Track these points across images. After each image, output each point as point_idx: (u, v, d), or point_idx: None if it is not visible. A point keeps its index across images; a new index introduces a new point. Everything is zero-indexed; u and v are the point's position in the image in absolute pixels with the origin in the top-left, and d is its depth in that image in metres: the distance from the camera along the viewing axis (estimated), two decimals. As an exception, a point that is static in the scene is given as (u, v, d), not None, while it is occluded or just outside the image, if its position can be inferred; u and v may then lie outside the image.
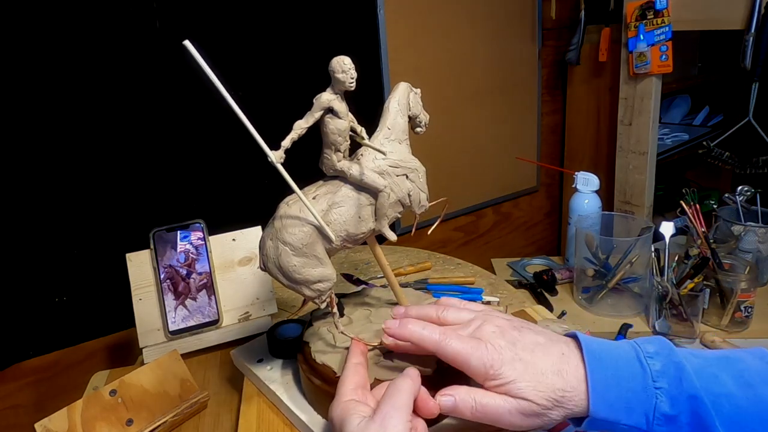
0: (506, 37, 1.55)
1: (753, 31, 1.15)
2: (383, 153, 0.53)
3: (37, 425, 0.56)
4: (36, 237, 0.97)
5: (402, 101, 0.56)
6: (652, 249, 1.14)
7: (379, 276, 1.01)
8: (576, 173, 1.37)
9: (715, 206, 1.38)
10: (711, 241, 1.16)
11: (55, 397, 1.04)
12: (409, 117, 0.57)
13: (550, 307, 1.24)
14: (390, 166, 0.54)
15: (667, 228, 1.12)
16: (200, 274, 0.80)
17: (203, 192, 1.11)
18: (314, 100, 0.51)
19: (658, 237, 1.14)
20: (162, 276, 0.78)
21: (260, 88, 1.14)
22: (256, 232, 0.84)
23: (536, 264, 1.51)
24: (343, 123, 0.52)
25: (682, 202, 1.21)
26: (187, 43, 0.38)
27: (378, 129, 0.56)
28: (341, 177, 0.55)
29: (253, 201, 1.15)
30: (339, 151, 0.53)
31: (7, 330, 0.97)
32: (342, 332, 0.55)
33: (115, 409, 0.60)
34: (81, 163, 0.98)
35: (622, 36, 1.39)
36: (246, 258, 0.83)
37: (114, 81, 0.98)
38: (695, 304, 1.09)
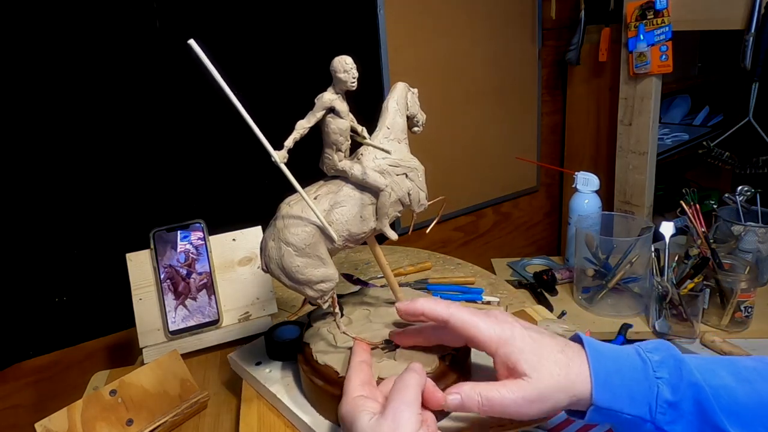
0: (506, 37, 1.55)
1: (753, 31, 1.15)
2: (388, 152, 0.53)
3: (37, 425, 0.56)
4: (36, 237, 0.97)
5: (400, 101, 0.56)
6: (652, 249, 1.14)
7: (379, 276, 1.01)
8: (576, 173, 1.37)
9: (715, 206, 1.38)
10: (711, 241, 1.17)
11: (55, 397, 1.04)
12: (407, 117, 0.57)
13: (550, 307, 1.24)
14: (390, 166, 0.54)
15: (667, 228, 1.12)
16: (200, 274, 0.80)
17: (203, 192, 1.11)
18: (316, 100, 0.51)
19: (658, 237, 1.14)
20: (162, 276, 0.78)
21: (260, 88, 1.14)
22: (256, 232, 0.84)
23: (536, 264, 1.51)
24: (344, 123, 0.52)
25: (682, 202, 1.21)
26: (192, 42, 0.38)
27: (377, 129, 0.56)
28: (342, 177, 0.55)
29: (253, 201, 1.15)
30: (340, 150, 0.53)
31: (7, 330, 0.97)
32: (344, 332, 0.55)
33: (115, 409, 0.60)
34: (81, 163, 0.98)
35: (622, 36, 1.39)
36: (246, 258, 0.83)
37: (114, 81, 0.98)
38: (695, 304, 1.09)
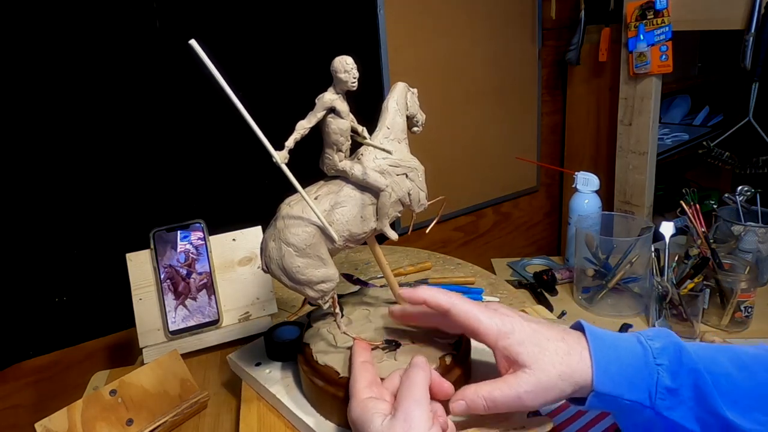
0: (506, 37, 1.55)
1: (753, 31, 1.15)
2: (389, 152, 0.53)
3: (37, 425, 0.56)
4: (36, 237, 0.97)
5: (400, 101, 0.56)
6: (652, 249, 1.14)
7: (379, 276, 1.01)
8: (576, 173, 1.37)
9: (715, 206, 1.38)
10: (711, 241, 1.17)
11: (55, 397, 1.04)
12: (407, 116, 0.57)
13: (550, 307, 1.24)
14: (390, 166, 0.54)
15: (667, 228, 1.12)
16: (200, 274, 0.80)
17: (203, 192, 1.11)
18: (316, 100, 0.51)
19: (658, 237, 1.14)
20: (162, 276, 0.78)
21: (260, 88, 1.14)
22: (256, 232, 0.84)
23: (536, 264, 1.51)
24: (345, 123, 0.52)
25: (682, 202, 1.21)
26: (192, 42, 0.38)
27: (377, 129, 0.56)
28: (342, 177, 0.55)
29: (253, 201, 1.14)
30: (340, 151, 0.53)
31: (7, 330, 0.97)
32: (344, 332, 0.55)
33: (115, 409, 0.60)
34: (81, 163, 0.98)
35: (622, 36, 1.39)
36: (246, 258, 0.83)
37: (114, 81, 0.98)
38: (695, 304, 1.09)
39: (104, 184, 1.01)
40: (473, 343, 0.62)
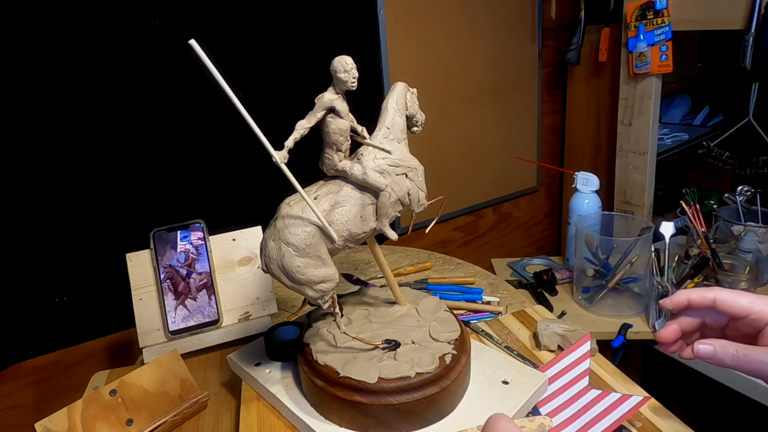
0: (506, 37, 1.55)
1: (753, 31, 1.15)
2: (389, 152, 0.53)
3: (37, 425, 0.56)
4: (36, 237, 0.97)
5: (400, 101, 0.56)
6: (652, 249, 1.14)
7: (379, 276, 1.01)
8: (576, 173, 1.37)
9: (715, 206, 1.38)
10: (711, 241, 1.16)
11: (55, 397, 1.04)
12: (406, 116, 0.57)
13: (550, 307, 1.24)
14: (390, 165, 0.54)
15: (667, 228, 1.12)
16: (200, 274, 0.80)
17: (203, 192, 1.11)
18: (316, 100, 0.51)
19: (658, 237, 1.14)
20: (162, 276, 0.78)
21: (260, 88, 1.14)
22: (256, 232, 0.84)
23: (536, 264, 1.51)
24: (344, 123, 0.52)
25: (682, 202, 1.21)
26: (192, 42, 0.38)
27: (377, 128, 0.56)
28: (342, 177, 0.55)
29: (253, 201, 1.15)
30: (340, 150, 0.53)
31: (7, 330, 0.97)
32: (344, 332, 0.55)
33: (115, 409, 0.60)
34: (81, 163, 0.98)
35: (622, 36, 1.39)
36: (246, 258, 0.83)
37: (114, 81, 0.98)
38: (695, 304, 1.09)
39: (104, 184, 1.01)
40: (473, 343, 0.62)
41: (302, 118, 0.50)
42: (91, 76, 0.96)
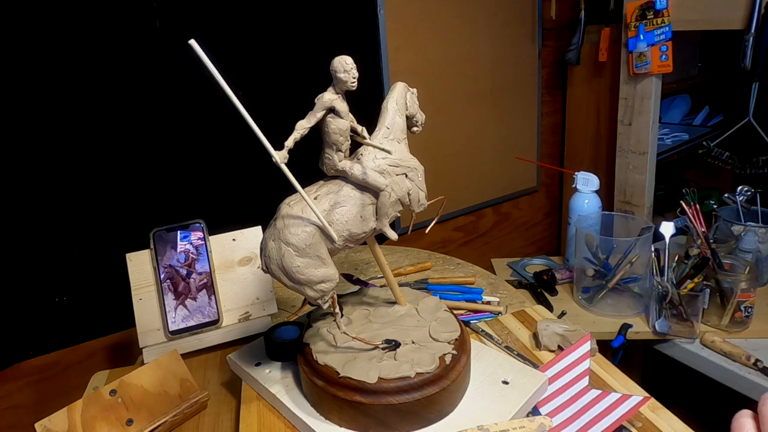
0: (506, 37, 1.55)
1: (753, 31, 1.15)
2: (389, 152, 0.53)
3: (37, 425, 0.56)
4: (36, 237, 0.97)
5: (400, 101, 0.56)
6: (652, 249, 1.14)
7: (379, 276, 1.01)
8: (576, 173, 1.37)
9: (715, 206, 1.38)
10: (711, 241, 1.16)
11: (55, 397, 1.04)
12: (406, 116, 0.57)
13: (550, 307, 1.24)
14: (390, 165, 0.54)
15: (667, 228, 1.12)
16: (200, 274, 0.80)
17: (203, 192, 1.11)
18: (316, 100, 0.51)
19: (658, 237, 1.14)
20: (162, 276, 0.78)
21: (260, 88, 1.14)
22: (256, 232, 0.84)
23: (536, 264, 1.51)
24: (344, 123, 0.52)
25: (682, 202, 1.21)
26: (192, 42, 0.38)
27: (377, 128, 0.56)
28: (342, 177, 0.55)
29: (253, 201, 1.15)
30: (340, 150, 0.54)
31: (7, 330, 0.97)
32: (344, 332, 0.55)
33: (115, 409, 0.60)
34: (81, 163, 0.98)
35: (622, 36, 1.39)
36: (246, 258, 0.83)
37: (114, 81, 0.98)
38: (695, 304, 1.09)
39: (104, 184, 1.01)
40: (473, 343, 0.62)
41: (302, 118, 0.50)
42: (91, 76, 0.96)
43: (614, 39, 1.49)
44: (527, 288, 1.35)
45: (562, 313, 1.24)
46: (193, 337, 0.78)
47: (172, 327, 0.77)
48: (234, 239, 0.83)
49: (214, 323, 0.78)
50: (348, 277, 0.98)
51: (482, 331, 0.77)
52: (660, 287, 1.10)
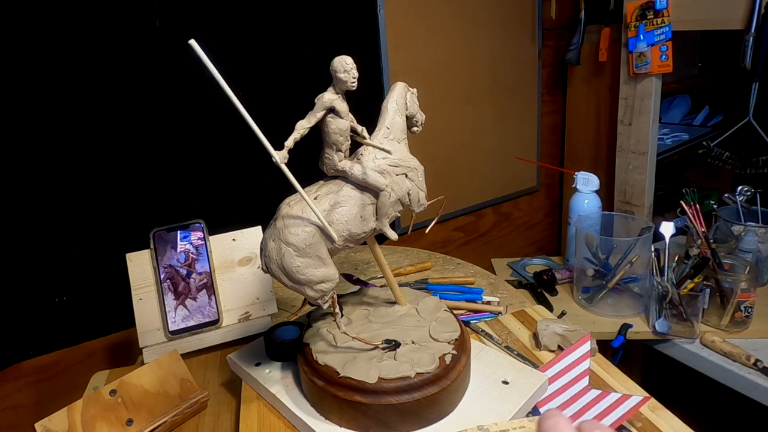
0: (506, 37, 1.55)
1: (753, 31, 1.15)
2: (389, 152, 0.53)
3: (37, 425, 0.56)
4: (36, 237, 0.97)
5: (400, 101, 0.56)
6: (652, 249, 1.14)
7: (379, 276, 1.01)
8: (576, 173, 1.37)
9: (715, 206, 1.38)
10: (711, 241, 1.16)
11: (55, 397, 1.04)
12: (406, 116, 0.57)
13: (550, 307, 1.24)
14: (390, 165, 0.54)
15: (667, 228, 1.12)
16: (200, 274, 0.80)
17: (203, 192, 1.11)
18: (316, 100, 0.51)
19: (658, 237, 1.14)
20: (162, 276, 0.78)
21: (260, 88, 1.14)
22: (256, 232, 0.84)
23: (536, 264, 1.51)
24: (344, 123, 0.52)
25: (682, 202, 1.21)
26: (192, 42, 0.38)
27: (377, 128, 0.56)
28: (342, 177, 0.55)
29: (253, 201, 1.15)
30: (340, 150, 0.54)
31: (7, 330, 0.97)
32: (344, 332, 0.55)
33: (115, 409, 0.60)
34: (81, 163, 0.98)
35: (622, 36, 1.39)
36: (246, 258, 0.83)
37: (114, 81, 0.98)
38: (695, 304, 1.09)
39: (104, 184, 1.01)
40: (473, 343, 0.62)
41: (302, 118, 0.50)
42: (91, 76, 0.96)
43: (614, 39, 1.49)
44: (527, 288, 1.35)
45: (562, 313, 1.24)
46: (193, 337, 0.78)
47: (172, 327, 0.77)
48: (234, 239, 0.83)
49: (214, 323, 0.78)
50: (348, 277, 0.98)
51: (482, 331, 0.77)
52: (660, 287, 1.10)
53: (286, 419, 0.58)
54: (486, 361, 0.61)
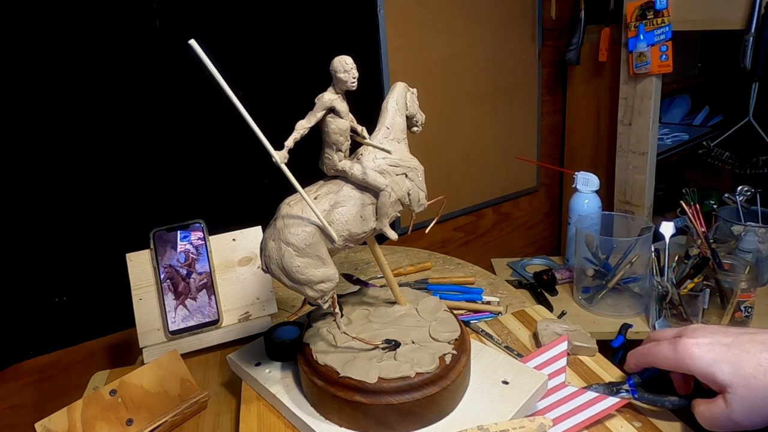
0: (506, 37, 1.55)
1: (753, 31, 1.15)
2: (389, 152, 0.53)
3: (37, 425, 0.56)
4: (36, 237, 0.97)
5: (400, 101, 0.56)
6: (652, 249, 1.14)
7: (379, 276, 1.01)
8: (576, 173, 1.37)
9: (715, 206, 1.38)
10: (711, 241, 1.16)
11: (55, 397, 1.04)
12: (406, 116, 0.57)
13: (550, 307, 1.24)
14: (390, 165, 0.54)
15: (667, 228, 1.12)
16: (200, 274, 0.80)
17: (203, 192, 1.11)
18: (316, 100, 0.51)
19: (658, 237, 1.14)
20: (162, 276, 0.78)
21: (260, 88, 1.14)
22: (256, 232, 0.84)
23: (536, 264, 1.51)
24: (344, 123, 0.52)
25: (682, 202, 1.21)
26: (192, 42, 0.38)
27: (377, 128, 0.56)
28: (342, 177, 0.55)
29: (253, 201, 1.15)
30: (340, 150, 0.53)
31: (7, 330, 0.97)
32: (344, 332, 0.55)
33: (115, 409, 0.60)
34: (81, 163, 0.98)
35: (622, 36, 1.39)
36: (246, 258, 0.83)
37: (114, 81, 0.98)
38: (695, 304, 1.09)
39: (104, 184, 1.01)
40: (473, 343, 0.62)
41: (302, 118, 0.50)
42: (91, 76, 0.96)
43: (614, 39, 1.49)
44: (527, 288, 1.35)
45: (562, 313, 1.24)
46: (193, 337, 0.78)
47: (172, 327, 0.77)
48: (234, 239, 0.83)
49: (214, 323, 0.78)
50: (348, 277, 0.98)
51: (482, 331, 0.77)
52: (660, 287, 1.10)
53: (286, 419, 0.58)
54: (486, 361, 0.61)
